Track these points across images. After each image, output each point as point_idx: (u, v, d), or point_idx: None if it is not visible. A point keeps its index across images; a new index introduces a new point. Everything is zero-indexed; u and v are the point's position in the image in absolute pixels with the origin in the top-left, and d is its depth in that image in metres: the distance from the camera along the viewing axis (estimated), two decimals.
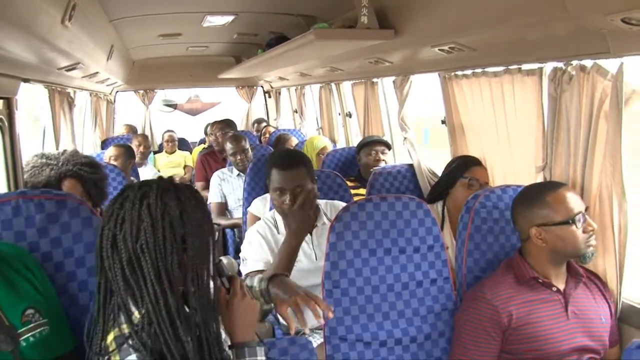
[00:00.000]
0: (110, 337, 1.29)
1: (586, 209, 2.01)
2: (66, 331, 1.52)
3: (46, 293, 1.49)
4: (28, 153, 2.60)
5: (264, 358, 1.47)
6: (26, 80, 2.80)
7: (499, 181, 2.91)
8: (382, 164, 3.86)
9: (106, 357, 1.28)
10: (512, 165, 2.80)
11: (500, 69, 2.67)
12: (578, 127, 2.18)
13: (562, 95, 2.24)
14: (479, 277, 2.24)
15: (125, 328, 1.28)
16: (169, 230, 1.29)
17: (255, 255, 2.40)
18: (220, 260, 1.47)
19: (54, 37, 2.53)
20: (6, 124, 2.56)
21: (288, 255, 2.27)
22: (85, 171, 2.36)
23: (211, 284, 1.41)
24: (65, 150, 2.47)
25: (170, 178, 1.41)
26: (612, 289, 2.13)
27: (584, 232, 1.96)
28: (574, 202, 1.99)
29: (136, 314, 1.29)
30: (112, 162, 4.19)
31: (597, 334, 2.02)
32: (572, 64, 2.18)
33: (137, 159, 5.17)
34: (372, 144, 3.97)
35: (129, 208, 1.30)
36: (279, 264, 2.25)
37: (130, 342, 1.26)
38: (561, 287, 2.04)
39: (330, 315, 1.80)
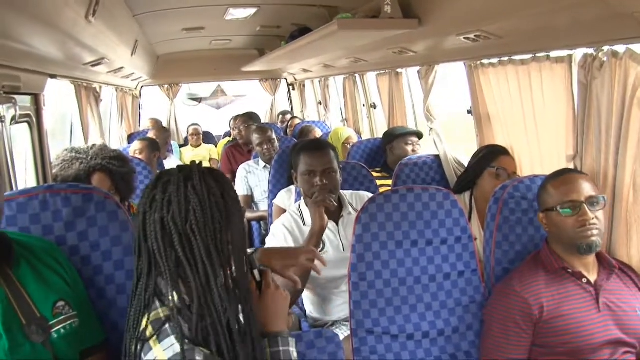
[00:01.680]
0: (145, 321, 1.31)
1: (592, 199, 1.93)
2: (95, 323, 1.54)
3: (75, 286, 1.50)
4: (54, 151, 2.63)
5: (295, 349, 1.50)
6: (53, 76, 2.83)
7: (526, 171, 2.87)
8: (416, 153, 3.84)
9: (142, 343, 1.30)
10: (540, 155, 2.75)
11: (528, 56, 2.62)
12: (610, 115, 2.12)
13: (593, 82, 2.19)
14: (507, 269, 2.21)
15: (161, 312, 1.31)
16: (216, 209, 1.34)
17: None
18: (253, 253, 1.49)
19: (78, 33, 2.55)
20: (34, 119, 2.59)
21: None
22: (114, 165, 2.38)
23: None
24: (94, 145, 2.49)
25: (201, 163, 1.44)
26: None
27: (578, 222, 1.92)
28: (572, 189, 1.96)
29: (173, 298, 1.31)
30: (137, 155, 4.22)
31: (632, 327, 1.96)
32: (603, 50, 2.12)
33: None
34: (407, 135, 3.92)
35: (174, 191, 1.34)
36: None
37: (168, 325, 1.29)
38: (592, 278, 1.99)
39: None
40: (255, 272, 1.56)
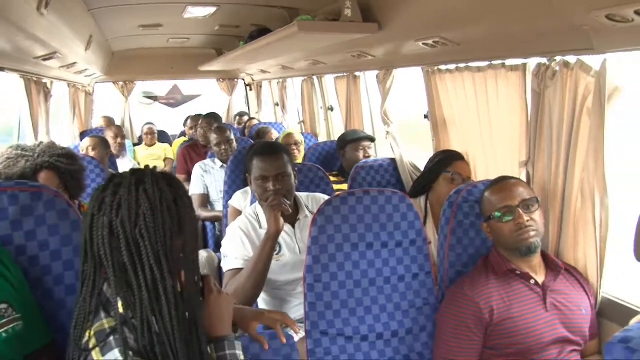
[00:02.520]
0: (91, 332, 1.27)
1: (523, 202, 2.01)
2: (41, 326, 1.49)
3: (20, 288, 1.45)
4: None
5: (241, 352, 1.47)
6: (0, 69, 2.74)
7: (481, 176, 2.91)
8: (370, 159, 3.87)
9: (85, 354, 1.26)
10: (494, 160, 2.80)
11: (484, 64, 2.67)
12: (561, 123, 2.18)
13: (546, 91, 2.25)
14: (460, 272, 2.24)
15: (105, 323, 1.27)
16: (167, 215, 1.30)
17: (236, 252, 2.38)
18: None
19: (29, 25, 2.47)
20: None
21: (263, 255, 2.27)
22: (62, 163, 2.31)
23: None
24: (41, 142, 2.41)
25: (155, 168, 1.40)
26: (592, 283, 2.14)
27: (515, 225, 1.99)
28: (506, 196, 2.04)
29: (119, 308, 1.28)
30: (90, 152, 4.12)
31: (577, 325, 2.03)
32: (555, 60, 2.18)
33: (115, 151, 5.08)
34: (359, 140, 3.95)
35: (124, 194, 1.29)
36: (257, 262, 2.25)
37: (113, 337, 1.25)
38: (540, 279, 2.05)
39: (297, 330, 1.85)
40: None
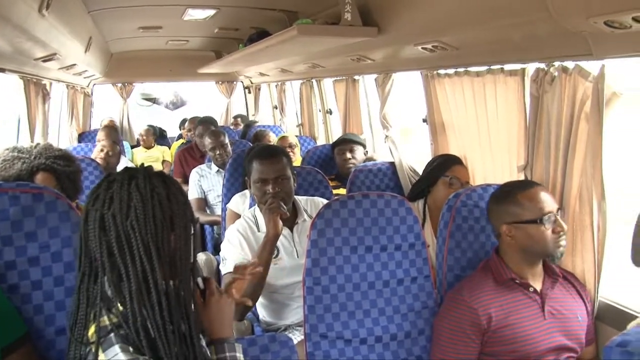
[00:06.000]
0: (92, 329, 1.28)
1: (558, 210, 2.01)
2: (13, 319, 1.50)
3: None
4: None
5: (241, 354, 1.49)
6: (1, 70, 2.74)
7: (479, 180, 2.93)
8: (353, 162, 3.87)
9: (87, 349, 1.27)
10: (492, 165, 2.81)
11: (483, 68, 2.68)
12: (559, 127, 2.19)
13: (544, 95, 2.26)
14: (459, 275, 2.25)
15: (107, 320, 1.27)
16: (159, 208, 1.32)
17: (234, 255, 2.38)
18: (196, 261, 1.46)
19: (30, 27, 2.47)
20: None
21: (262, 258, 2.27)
22: (59, 164, 2.31)
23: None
24: (38, 144, 2.42)
25: (150, 167, 1.42)
26: (589, 288, 2.15)
27: (553, 232, 1.97)
28: (545, 201, 1.99)
29: (118, 306, 1.29)
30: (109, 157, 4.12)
31: (574, 332, 2.03)
32: (554, 65, 2.19)
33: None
34: (343, 143, 3.99)
35: (117, 188, 1.32)
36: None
37: (114, 334, 1.25)
38: (538, 287, 2.05)
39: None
40: (199, 280, 1.54)
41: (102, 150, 4.14)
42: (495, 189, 2.21)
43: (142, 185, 1.32)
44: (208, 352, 1.45)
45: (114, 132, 4.95)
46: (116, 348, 1.24)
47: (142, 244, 1.29)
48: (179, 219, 1.35)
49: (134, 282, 1.28)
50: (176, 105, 10.35)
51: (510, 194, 2.05)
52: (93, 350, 1.25)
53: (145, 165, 1.41)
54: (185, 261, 1.37)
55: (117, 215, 1.29)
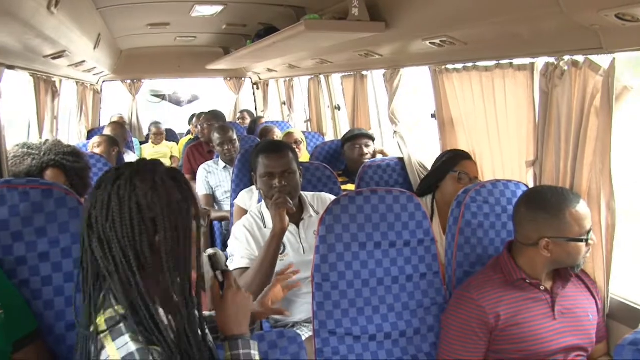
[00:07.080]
0: (101, 318, 1.26)
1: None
2: (25, 314, 1.51)
3: None
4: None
5: (257, 352, 1.47)
6: (11, 67, 2.76)
7: (488, 175, 2.91)
8: (368, 157, 3.87)
9: (95, 340, 1.26)
10: (501, 160, 2.80)
11: (492, 63, 2.66)
12: (569, 122, 2.17)
13: (554, 90, 2.24)
14: (468, 272, 2.24)
15: (115, 310, 1.26)
16: (136, 211, 1.28)
17: (241, 251, 2.39)
18: (216, 253, 1.45)
19: (39, 24, 2.48)
20: None
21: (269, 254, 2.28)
22: (68, 160, 2.33)
23: (209, 273, 1.40)
24: (47, 140, 2.44)
25: (156, 160, 1.40)
26: (600, 286, 2.13)
27: (586, 245, 1.94)
28: (588, 217, 1.95)
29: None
30: (96, 149, 4.15)
31: (585, 331, 2.02)
32: (564, 59, 2.17)
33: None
34: (355, 138, 3.98)
35: (103, 188, 1.30)
36: (262, 262, 2.26)
37: (123, 323, 1.24)
38: (548, 286, 2.03)
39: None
40: (218, 272, 1.52)
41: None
42: (507, 185, 2.19)
43: (123, 187, 1.29)
44: (214, 348, 1.44)
45: (111, 139, 4.72)
46: (126, 337, 1.23)
47: (121, 248, 1.26)
48: (165, 221, 1.29)
49: (118, 284, 1.26)
50: (190, 101, 10.37)
51: (559, 208, 1.94)
52: (104, 341, 1.24)
53: None
54: (180, 264, 1.32)
55: (98, 217, 1.28)
